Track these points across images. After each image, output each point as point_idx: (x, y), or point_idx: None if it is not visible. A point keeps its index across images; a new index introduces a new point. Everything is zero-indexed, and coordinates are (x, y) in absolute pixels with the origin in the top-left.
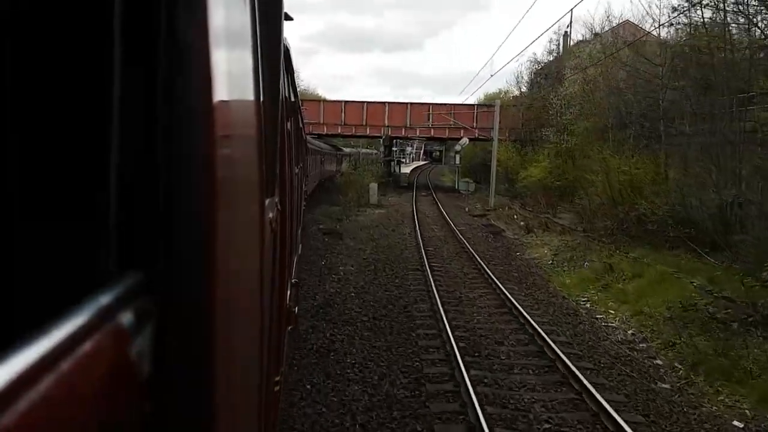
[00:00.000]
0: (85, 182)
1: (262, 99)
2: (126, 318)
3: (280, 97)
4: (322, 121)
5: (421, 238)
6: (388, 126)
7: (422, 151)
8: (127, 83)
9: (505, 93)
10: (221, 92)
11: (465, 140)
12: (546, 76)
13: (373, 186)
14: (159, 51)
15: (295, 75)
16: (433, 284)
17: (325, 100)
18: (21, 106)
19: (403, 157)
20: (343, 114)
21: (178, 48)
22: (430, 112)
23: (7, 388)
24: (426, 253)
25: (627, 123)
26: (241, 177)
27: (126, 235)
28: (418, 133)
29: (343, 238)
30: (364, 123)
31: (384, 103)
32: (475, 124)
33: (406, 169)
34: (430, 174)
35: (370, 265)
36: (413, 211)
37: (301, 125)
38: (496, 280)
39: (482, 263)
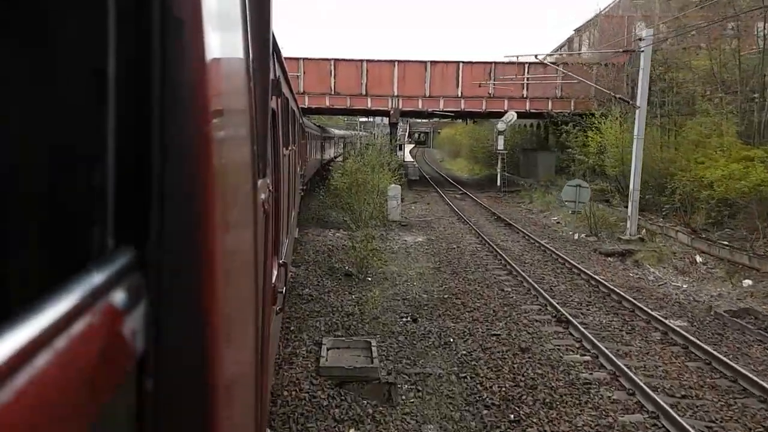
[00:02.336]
0: (79, 158)
1: (252, 79)
2: (119, 296)
3: (270, 78)
4: (302, 90)
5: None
6: (398, 96)
7: (406, 134)
8: (121, 60)
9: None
10: (214, 71)
11: (512, 115)
12: None
13: (395, 190)
14: (153, 30)
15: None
16: None
17: (306, 59)
18: (16, 85)
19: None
20: (332, 78)
21: (172, 27)
22: (460, 74)
23: (3, 365)
24: None
25: None
26: (233, 156)
27: (119, 212)
28: (441, 106)
29: (395, 414)
30: (363, 92)
31: (392, 61)
32: (525, 91)
33: (408, 157)
34: (427, 161)
35: None
36: (484, 241)
37: (293, 107)
38: None
39: None
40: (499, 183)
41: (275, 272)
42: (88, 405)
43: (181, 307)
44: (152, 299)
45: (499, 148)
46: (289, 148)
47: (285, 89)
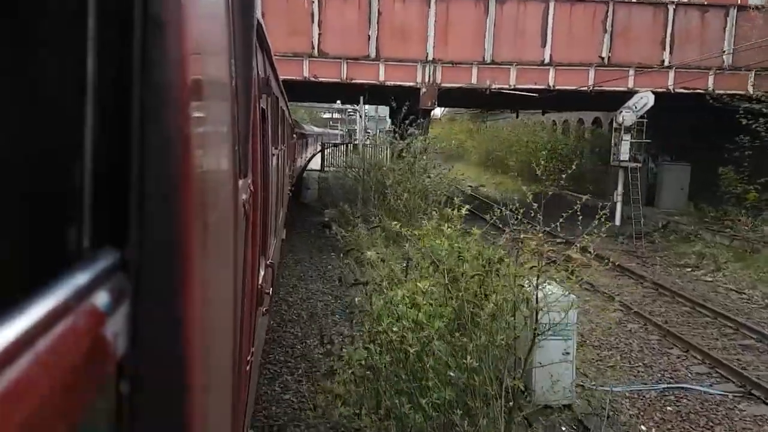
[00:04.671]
0: (59, 159)
1: (234, 77)
2: (101, 297)
3: (253, 74)
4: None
5: None
6: (434, 62)
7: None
8: (102, 60)
9: None
10: (195, 71)
11: (645, 98)
12: None
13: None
14: (133, 30)
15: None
16: None
17: None
18: None
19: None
20: (315, 27)
21: (152, 24)
22: (549, 21)
23: None
24: None
25: None
26: (213, 156)
27: (100, 214)
28: (513, 80)
29: None
30: (371, 54)
31: None
32: (668, 54)
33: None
34: None
35: None
36: None
37: (283, 105)
38: None
39: None
40: (618, 220)
41: (262, 272)
42: (69, 407)
43: (158, 309)
44: (134, 301)
45: (622, 157)
46: (278, 147)
47: (275, 87)
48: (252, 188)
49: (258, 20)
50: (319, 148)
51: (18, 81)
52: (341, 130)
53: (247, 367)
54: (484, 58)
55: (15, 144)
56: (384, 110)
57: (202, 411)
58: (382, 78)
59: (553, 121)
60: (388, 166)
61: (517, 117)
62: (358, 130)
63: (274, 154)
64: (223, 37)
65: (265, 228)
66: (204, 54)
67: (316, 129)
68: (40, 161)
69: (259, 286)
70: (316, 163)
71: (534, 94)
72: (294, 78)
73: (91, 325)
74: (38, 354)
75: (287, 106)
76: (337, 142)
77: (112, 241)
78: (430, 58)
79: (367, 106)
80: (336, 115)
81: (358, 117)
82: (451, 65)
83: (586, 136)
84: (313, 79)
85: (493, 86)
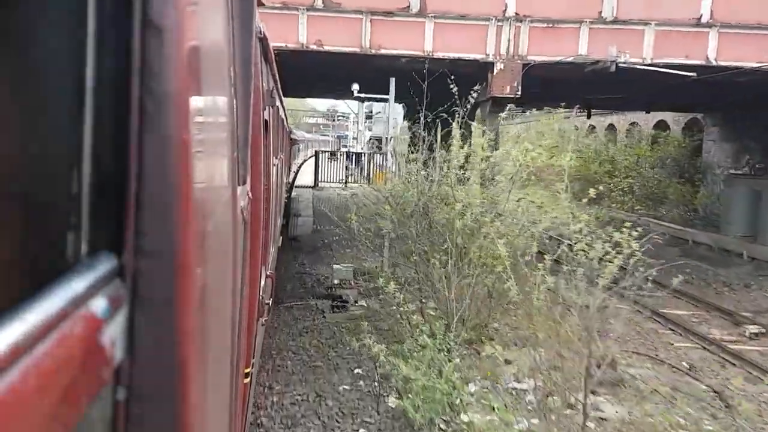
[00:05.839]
0: (58, 165)
1: (234, 86)
2: (98, 304)
3: (252, 84)
4: None
5: None
6: (516, 19)
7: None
8: (101, 66)
9: None
10: (193, 76)
11: None
12: None
13: None
14: (133, 38)
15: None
16: None
17: None
18: None
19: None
20: None
21: (153, 35)
22: None
23: None
24: None
25: None
26: (212, 164)
27: (98, 220)
28: (648, 53)
29: None
30: (413, 5)
31: None
32: None
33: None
34: None
35: None
36: None
37: (282, 115)
38: None
39: None
40: None
41: (262, 283)
42: (65, 413)
43: (155, 316)
44: (131, 308)
45: None
46: (278, 157)
47: (277, 98)
48: (251, 196)
49: (262, 31)
50: (309, 154)
51: (16, 86)
52: (332, 136)
53: (246, 380)
54: (601, 13)
55: (13, 150)
56: (392, 108)
57: (199, 420)
58: (429, 47)
59: (591, 125)
60: (470, 202)
61: (589, 117)
62: (387, 136)
63: (274, 164)
64: (223, 43)
65: (266, 239)
66: (203, 60)
67: (307, 135)
68: (38, 167)
69: (260, 297)
70: (308, 174)
71: (691, 74)
72: (284, 46)
73: (88, 332)
74: (35, 360)
75: (285, 113)
76: (330, 149)
77: (110, 248)
78: (511, 12)
79: (366, 105)
80: (321, 120)
81: (386, 116)
82: (545, 25)
83: (656, 142)
84: (315, 47)
85: (619, 59)
